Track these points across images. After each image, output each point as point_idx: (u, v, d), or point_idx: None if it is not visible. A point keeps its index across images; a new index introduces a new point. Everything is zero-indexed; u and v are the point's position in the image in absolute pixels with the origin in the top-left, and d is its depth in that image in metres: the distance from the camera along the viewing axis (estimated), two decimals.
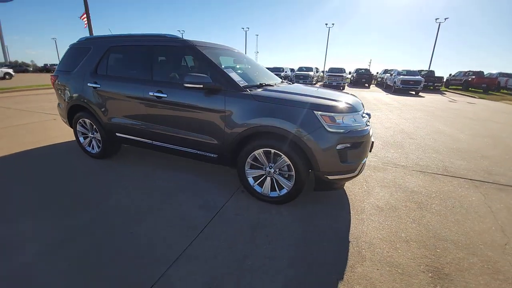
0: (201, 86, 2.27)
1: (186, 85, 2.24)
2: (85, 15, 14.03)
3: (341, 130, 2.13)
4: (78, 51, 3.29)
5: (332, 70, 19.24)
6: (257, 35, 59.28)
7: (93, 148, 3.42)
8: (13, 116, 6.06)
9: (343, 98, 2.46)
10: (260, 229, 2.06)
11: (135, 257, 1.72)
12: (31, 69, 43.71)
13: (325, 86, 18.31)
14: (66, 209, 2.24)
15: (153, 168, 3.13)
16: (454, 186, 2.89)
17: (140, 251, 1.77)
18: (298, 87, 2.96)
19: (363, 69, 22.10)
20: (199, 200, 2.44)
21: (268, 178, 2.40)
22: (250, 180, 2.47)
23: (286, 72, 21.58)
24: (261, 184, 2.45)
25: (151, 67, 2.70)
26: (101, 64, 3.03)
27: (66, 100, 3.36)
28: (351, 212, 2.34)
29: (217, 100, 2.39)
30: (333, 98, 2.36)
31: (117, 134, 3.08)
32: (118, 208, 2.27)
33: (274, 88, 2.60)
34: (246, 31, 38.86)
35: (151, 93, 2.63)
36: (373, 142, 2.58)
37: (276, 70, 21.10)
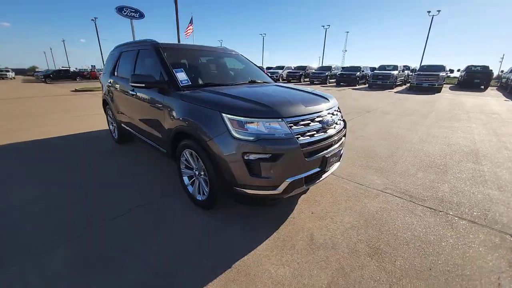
0: (143, 84, 2.44)
1: (131, 84, 2.47)
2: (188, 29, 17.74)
3: (250, 138, 1.81)
4: (111, 57, 4.16)
5: (425, 68, 15.56)
6: (347, 32, 54.87)
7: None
8: None
9: (279, 101, 2.08)
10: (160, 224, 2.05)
11: None
12: None
13: (411, 88, 15.05)
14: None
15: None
16: None
17: None
18: (256, 89, 2.64)
19: (478, 66, 16.60)
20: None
21: (197, 180, 2.33)
22: (185, 179, 2.46)
23: (363, 71, 19.15)
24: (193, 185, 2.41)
25: (134, 67, 3.12)
26: (116, 66, 3.74)
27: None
28: (272, 240, 1.95)
29: (159, 97, 2.51)
30: (260, 101, 2.00)
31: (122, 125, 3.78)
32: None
33: (218, 89, 2.44)
34: (326, 29, 36.73)
35: (129, 89, 3.08)
36: (327, 157, 2.05)
37: (353, 70, 19.10)
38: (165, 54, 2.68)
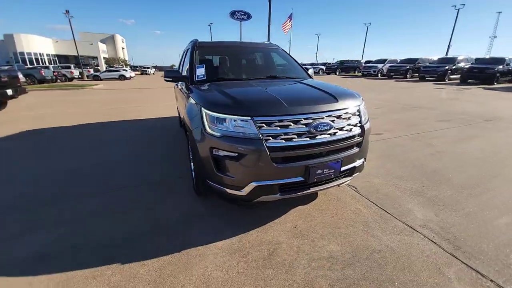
0: (170, 79, 2.80)
1: (164, 78, 2.88)
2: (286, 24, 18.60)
3: (217, 134, 1.78)
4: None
5: None
6: (499, 12, 39.61)
7: None
8: None
9: (256, 98, 1.97)
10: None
11: None
12: None
13: None
14: None
15: None
16: None
17: None
18: (257, 85, 2.43)
19: None
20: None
21: None
22: (192, 165, 2.71)
23: (508, 64, 13.59)
24: None
25: (181, 63, 3.62)
26: (179, 63, 4.44)
27: None
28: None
29: (184, 89, 2.80)
30: (237, 98, 1.91)
31: None
32: None
33: (224, 84, 2.44)
34: (459, 9, 27.75)
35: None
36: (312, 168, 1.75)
37: (491, 62, 14.02)
38: (197, 51, 2.96)
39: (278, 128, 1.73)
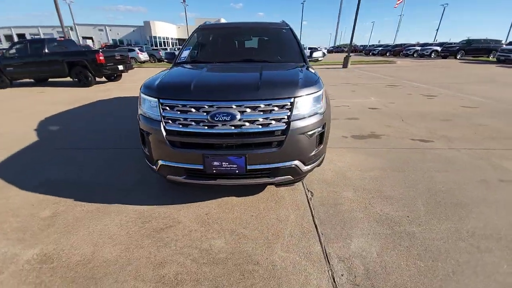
0: (165, 60, 3.10)
1: (164, 59, 3.20)
2: None
3: (139, 112, 1.98)
4: None
5: None
6: None
7: None
8: None
9: (172, 81, 2.05)
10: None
11: None
12: (345, 49, 54.96)
13: None
14: None
15: None
16: None
17: None
18: (213, 68, 2.38)
19: None
20: None
21: None
22: None
23: None
24: None
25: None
26: None
27: None
28: None
29: None
30: (165, 80, 2.01)
31: None
32: None
33: (193, 66, 2.53)
34: None
35: None
36: (209, 158, 1.70)
37: None
38: (194, 34, 3.13)
39: (178, 112, 1.73)
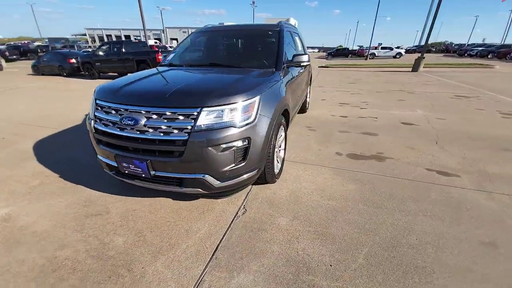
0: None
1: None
2: None
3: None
4: None
5: None
6: None
7: None
8: None
9: (116, 82, 2.10)
10: None
11: None
12: (434, 49, 45.51)
13: None
14: None
15: None
16: None
17: None
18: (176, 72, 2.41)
19: None
20: None
21: None
22: None
23: None
24: None
25: None
26: None
27: None
28: None
29: None
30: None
31: None
32: None
33: (155, 69, 2.65)
34: None
35: None
36: (119, 159, 1.81)
37: None
38: (189, 38, 3.27)
39: (104, 113, 1.88)
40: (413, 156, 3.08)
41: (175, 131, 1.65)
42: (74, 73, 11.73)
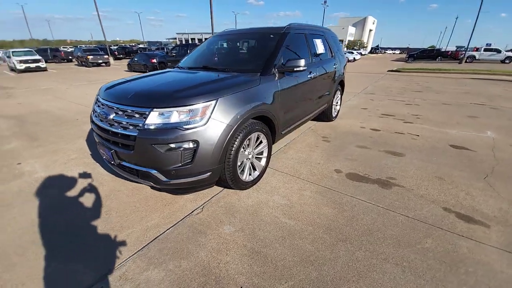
0: None
1: None
2: None
3: None
4: None
5: None
6: None
7: None
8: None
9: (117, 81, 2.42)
10: None
11: None
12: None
13: None
14: None
15: None
16: None
17: None
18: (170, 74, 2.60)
19: None
20: None
21: None
22: None
23: None
24: None
25: None
26: None
27: None
28: None
29: None
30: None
31: None
32: None
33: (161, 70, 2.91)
34: None
35: None
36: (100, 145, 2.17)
37: None
38: (205, 42, 3.50)
39: (97, 106, 2.25)
40: (436, 189, 2.43)
41: (131, 127, 1.85)
42: (154, 70, 14.07)
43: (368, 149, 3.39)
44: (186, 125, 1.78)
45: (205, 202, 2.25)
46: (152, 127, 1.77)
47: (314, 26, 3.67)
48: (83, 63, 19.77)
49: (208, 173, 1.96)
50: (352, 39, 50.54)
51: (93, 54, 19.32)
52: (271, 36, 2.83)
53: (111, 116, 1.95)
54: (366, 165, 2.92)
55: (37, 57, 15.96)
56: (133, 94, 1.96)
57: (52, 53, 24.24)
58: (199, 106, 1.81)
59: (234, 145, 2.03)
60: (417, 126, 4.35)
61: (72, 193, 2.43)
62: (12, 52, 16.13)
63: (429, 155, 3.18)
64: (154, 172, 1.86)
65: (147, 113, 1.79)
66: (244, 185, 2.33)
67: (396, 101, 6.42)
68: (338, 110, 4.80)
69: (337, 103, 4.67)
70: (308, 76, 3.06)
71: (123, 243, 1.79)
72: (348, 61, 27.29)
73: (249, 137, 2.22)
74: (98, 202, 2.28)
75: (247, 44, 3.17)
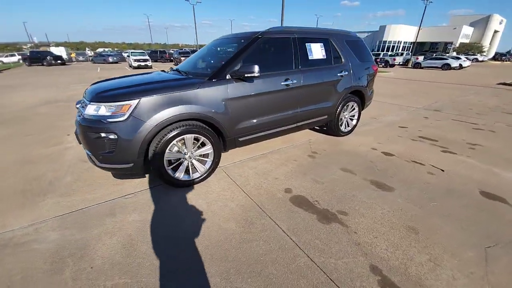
0: None
1: None
2: None
3: None
4: None
5: None
6: None
7: None
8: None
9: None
10: None
11: None
12: None
13: None
14: None
15: None
16: None
17: None
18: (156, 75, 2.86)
19: None
20: None
21: None
22: None
23: None
24: None
25: None
26: None
27: None
28: None
29: None
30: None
31: None
32: None
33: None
34: None
35: None
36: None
37: None
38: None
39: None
40: (392, 242, 1.83)
41: (83, 116, 2.28)
42: None
43: (353, 174, 2.81)
44: (109, 118, 2.06)
45: (141, 190, 2.50)
46: (87, 117, 2.14)
47: (313, 29, 3.29)
48: (178, 63, 24.03)
49: (131, 164, 2.19)
50: (467, 41, 40.10)
51: (186, 55, 23.18)
52: (242, 41, 2.78)
53: (83, 110, 2.43)
54: (327, 192, 2.47)
55: (146, 57, 20.52)
56: (92, 89, 2.40)
57: (160, 54, 30.55)
58: (121, 103, 2.06)
59: (159, 142, 2.18)
60: (458, 159, 3.24)
61: (70, 168, 3.17)
62: (131, 53, 21.33)
63: (431, 198, 2.36)
64: (89, 154, 2.24)
65: (87, 105, 2.18)
66: (176, 182, 2.43)
67: (462, 123, 4.88)
68: (355, 125, 4.10)
69: (352, 116, 4.01)
70: (282, 83, 2.82)
71: (57, 203, 2.25)
72: (450, 68, 22.12)
73: (182, 137, 2.31)
74: (85, 170, 2.90)
75: (224, 49, 3.19)
